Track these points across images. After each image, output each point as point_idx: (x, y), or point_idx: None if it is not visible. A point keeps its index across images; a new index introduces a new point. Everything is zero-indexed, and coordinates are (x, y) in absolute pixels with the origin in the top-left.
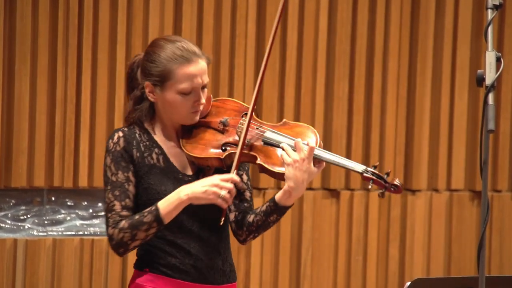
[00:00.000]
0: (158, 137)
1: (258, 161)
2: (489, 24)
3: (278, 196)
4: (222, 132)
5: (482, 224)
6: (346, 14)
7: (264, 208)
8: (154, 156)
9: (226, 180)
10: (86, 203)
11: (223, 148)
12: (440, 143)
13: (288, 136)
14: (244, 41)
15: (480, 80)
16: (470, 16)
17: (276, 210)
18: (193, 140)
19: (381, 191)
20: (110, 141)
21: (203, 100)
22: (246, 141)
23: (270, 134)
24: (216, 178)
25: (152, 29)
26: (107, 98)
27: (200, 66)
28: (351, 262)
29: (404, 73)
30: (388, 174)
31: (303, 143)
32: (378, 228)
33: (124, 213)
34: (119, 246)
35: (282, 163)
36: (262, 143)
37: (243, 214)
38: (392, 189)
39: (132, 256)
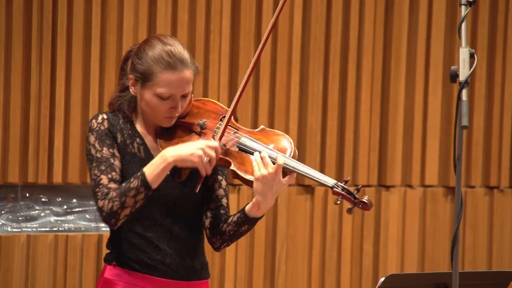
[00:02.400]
0: (139, 129)
1: (232, 167)
2: (462, 21)
3: (248, 208)
4: (199, 134)
5: (455, 220)
6: (320, 11)
7: (235, 218)
8: (135, 145)
9: (211, 148)
10: (60, 199)
11: None
12: (414, 139)
13: (263, 144)
14: (219, 37)
15: (454, 76)
16: (444, 13)
17: (246, 221)
18: (170, 141)
19: (349, 206)
20: (94, 121)
21: (180, 109)
22: (221, 146)
23: (245, 141)
24: (202, 143)
25: (126, 25)
26: (81, 94)
27: (183, 75)
28: (325, 257)
29: (378, 70)
30: (358, 189)
31: (273, 157)
32: (352, 224)
33: (112, 185)
34: (110, 217)
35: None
36: (237, 149)
37: (217, 222)
38: (360, 205)
39: (107, 251)
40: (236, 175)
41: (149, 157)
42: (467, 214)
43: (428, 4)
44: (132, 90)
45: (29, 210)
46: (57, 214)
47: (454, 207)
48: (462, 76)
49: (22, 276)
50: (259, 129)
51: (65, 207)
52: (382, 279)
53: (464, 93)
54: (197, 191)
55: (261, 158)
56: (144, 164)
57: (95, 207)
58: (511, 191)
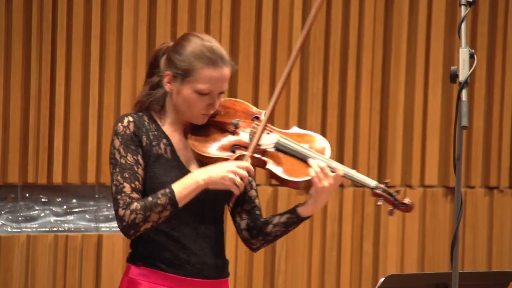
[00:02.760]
0: (166, 129)
1: (268, 166)
2: (462, 21)
3: (301, 209)
4: (232, 133)
5: (455, 220)
6: (320, 11)
7: (284, 219)
8: (162, 146)
9: (242, 168)
10: (60, 199)
11: (233, 150)
12: (414, 139)
13: (300, 145)
14: (219, 37)
15: (454, 76)
16: (443, 13)
17: (297, 222)
18: (202, 138)
19: (390, 208)
20: (120, 124)
21: (217, 106)
22: (257, 145)
23: (282, 140)
24: (232, 165)
25: (126, 25)
26: (81, 94)
27: (223, 73)
28: (325, 257)
29: (378, 70)
30: (398, 191)
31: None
32: (352, 223)
33: (134, 195)
34: (130, 228)
35: (292, 171)
36: (273, 148)
37: (256, 223)
38: (401, 207)
39: (106, 253)
40: (272, 175)
41: (175, 157)
42: (466, 215)
43: (427, 3)
44: (167, 86)
45: (29, 210)
46: (56, 214)
47: (454, 207)
48: (462, 76)
49: (22, 276)
50: (291, 130)
51: (64, 207)
52: (382, 279)
53: (464, 93)
54: (231, 205)
55: (321, 170)
56: (171, 165)
57: (95, 207)
58: (510, 191)
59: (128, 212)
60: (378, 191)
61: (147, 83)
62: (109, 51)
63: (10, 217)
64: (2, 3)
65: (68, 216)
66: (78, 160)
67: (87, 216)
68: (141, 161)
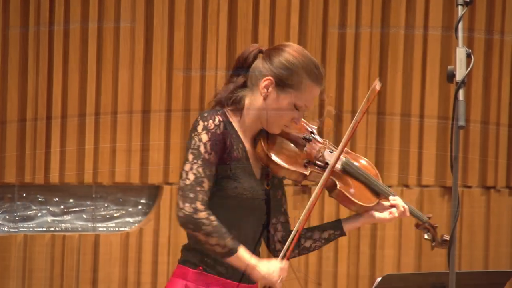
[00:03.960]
0: (240, 134)
1: (339, 187)
2: (459, 20)
3: (347, 227)
4: (303, 147)
5: (452, 220)
6: (317, 11)
7: (326, 235)
8: (239, 150)
9: (285, 271)
10: (57, 199)
11: (305, 164)
12: (411, 139)
13: (365, 172)
14: (216, 38)
15: (451, 76)
16: (440, 13)
17: (338, 237)
18: (277, 149)
19: (433, 244)
20: (211, 121)
21: (300, 122)
22: (325, 163)
23: (348, 162)
24: (279, 267)
25: (123, 25)
26: (78, 94)
27: (319, 91)
28: (322, 258)
29: (375, 70)
30: (436, 227)
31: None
32: None
33: (208, 195)
34: (193, 224)
35: (361, 196)
36: (341, 169)
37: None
38: (443, 243)
39: (103, 252)
40: (340, 196)
41: (248, 164)
42: (463, 214)
43: (425, 3)
44: (263, 91)
45: (26, 210)
46: (54, 214)
47: (451, 207)
48: (459, 76)
49: (19, 276)
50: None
51: (62, 207)
52: (379, 279)
53: (461, 93)
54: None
55: (396, 204)
56: (246, 170)
57: (92, 207)
58: (507, 191)
59: (205, 213)
60: (427, 226)
61: (231, 81)
62: (106, 51)
63: (7, 216)
64: (0, 1)
65: (65, 216)
66: (75, 160)
67: (84, 216)
68: (217, 164)
